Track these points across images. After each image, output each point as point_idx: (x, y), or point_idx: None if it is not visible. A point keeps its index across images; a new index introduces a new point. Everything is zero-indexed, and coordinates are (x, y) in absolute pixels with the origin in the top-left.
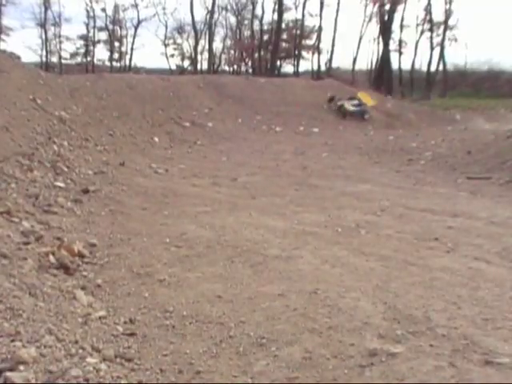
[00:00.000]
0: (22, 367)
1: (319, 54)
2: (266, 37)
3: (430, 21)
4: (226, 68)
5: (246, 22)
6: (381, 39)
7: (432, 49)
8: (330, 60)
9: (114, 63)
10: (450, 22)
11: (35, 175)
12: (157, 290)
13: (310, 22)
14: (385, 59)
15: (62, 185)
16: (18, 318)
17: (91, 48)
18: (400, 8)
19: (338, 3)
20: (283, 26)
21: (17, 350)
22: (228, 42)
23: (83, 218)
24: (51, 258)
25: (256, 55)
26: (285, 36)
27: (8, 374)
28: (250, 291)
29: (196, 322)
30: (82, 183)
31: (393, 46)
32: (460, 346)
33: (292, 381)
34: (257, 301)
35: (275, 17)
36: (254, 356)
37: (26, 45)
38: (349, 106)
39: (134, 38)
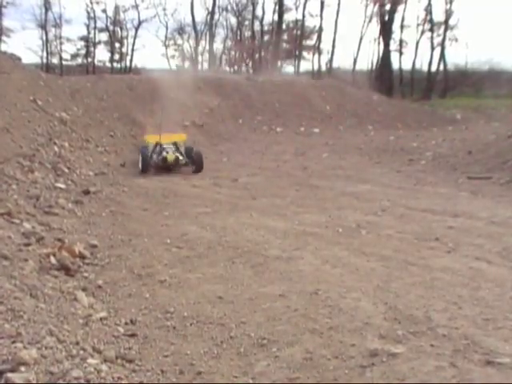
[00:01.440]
0: (22, 368)
1: (320, 54)
2: (266, 37)
3: (431, 21)
4: (227, 69)
5: (246, 22)
6: (381, 39)
7: (432, 49)
8: (331, 60)
9: (115, 64)
10: (451, 22)
11: (36, 176)
12: (158, 291)
13: (311, 23)
14: (385, 59)
15: (62, 186)
16: (18, 320)
17: (92, 49)
18: (400, 8)
19: (339, 4)
20: (284, 26)
21: (18, 352)
22: (228, 43)
23: (84, 219)
24: (52, 259)
25: (256, 56)
26: (285, 37)
27: (9, 375)
28: (251, 292)
29: (197, 323)
30: (82, 184)
31: (393, 46)
32: (461, 346)
33: (293, 381)
34: (257, 301)
35: (276, 17)
36: (255, 357)
37: (26, 46)
38: (178, 156)
39: (134, 38)
